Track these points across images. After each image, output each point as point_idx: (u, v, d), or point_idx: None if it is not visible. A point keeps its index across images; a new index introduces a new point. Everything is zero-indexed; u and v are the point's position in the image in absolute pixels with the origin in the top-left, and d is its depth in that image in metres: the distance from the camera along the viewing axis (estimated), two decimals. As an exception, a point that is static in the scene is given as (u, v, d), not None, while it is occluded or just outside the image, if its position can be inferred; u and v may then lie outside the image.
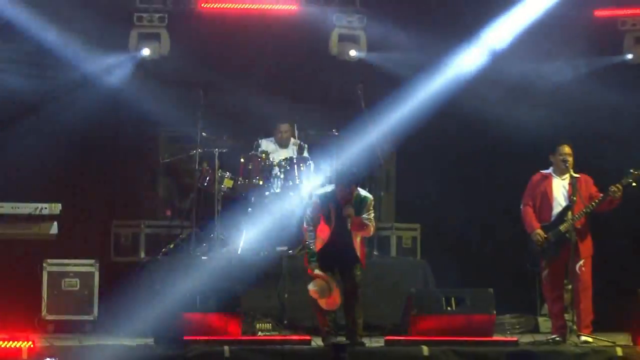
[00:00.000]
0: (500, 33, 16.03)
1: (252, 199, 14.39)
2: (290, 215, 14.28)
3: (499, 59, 15.93)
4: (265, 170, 14.34)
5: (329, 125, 15.28)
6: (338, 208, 11.87)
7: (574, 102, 15.44)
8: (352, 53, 15.90)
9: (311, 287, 11.86)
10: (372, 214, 12.06)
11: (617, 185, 12.22)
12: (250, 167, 14.40)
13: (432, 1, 16.11)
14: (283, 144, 14.89)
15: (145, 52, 15.66)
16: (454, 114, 15.65)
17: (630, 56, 15.98)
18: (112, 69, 15.63)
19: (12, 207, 12.11)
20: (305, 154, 14.65)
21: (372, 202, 12.07)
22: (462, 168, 16.01)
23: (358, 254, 11.97)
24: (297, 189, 14.38)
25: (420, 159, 16.11)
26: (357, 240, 12.00)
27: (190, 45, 15.71)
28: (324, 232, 11.98)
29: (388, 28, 15.71)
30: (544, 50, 15.99)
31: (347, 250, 11.93)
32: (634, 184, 12.30)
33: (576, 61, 15.98)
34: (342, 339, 11.89)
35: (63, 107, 15.06)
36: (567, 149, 12.55)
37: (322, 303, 11.85)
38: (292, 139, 14.95)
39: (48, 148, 14.69)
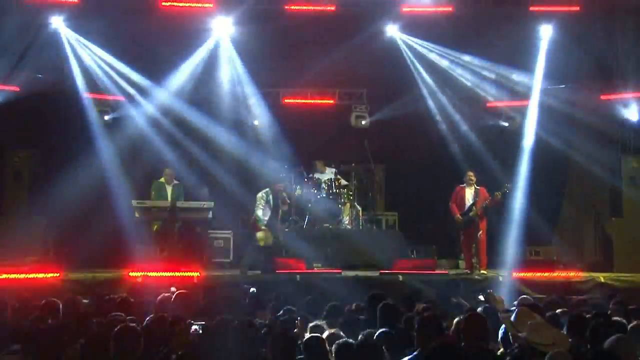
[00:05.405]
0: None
1: (311, 199, 13.61)
2: (330, 206, 13.40)
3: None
4: (316, 185, 13.53)
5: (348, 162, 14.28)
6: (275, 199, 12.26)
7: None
8: (363, 122, 14.56)
9: (259, 235, 11.95)
10: (285, 198, 12.33)
11: (498, 192, 12.05)
12: (309, 183, 13.53)
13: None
14: (323, 172, 13.78)
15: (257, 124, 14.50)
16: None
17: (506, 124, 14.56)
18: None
19: (189, 204, 12.16)
20: (337, 176, 13.72)
21: (285, 194, 12.36)
22: (422, 180, 14.46)
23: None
24: (335, 195, 13.51)
25: (398, 172, 14.94)
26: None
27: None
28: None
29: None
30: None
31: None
32: (507, 191, 12.13)
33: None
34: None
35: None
36: (471, 173, 12.33)
37: (260, 243, 11.95)
38: (328, 168, 13.81)
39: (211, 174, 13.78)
